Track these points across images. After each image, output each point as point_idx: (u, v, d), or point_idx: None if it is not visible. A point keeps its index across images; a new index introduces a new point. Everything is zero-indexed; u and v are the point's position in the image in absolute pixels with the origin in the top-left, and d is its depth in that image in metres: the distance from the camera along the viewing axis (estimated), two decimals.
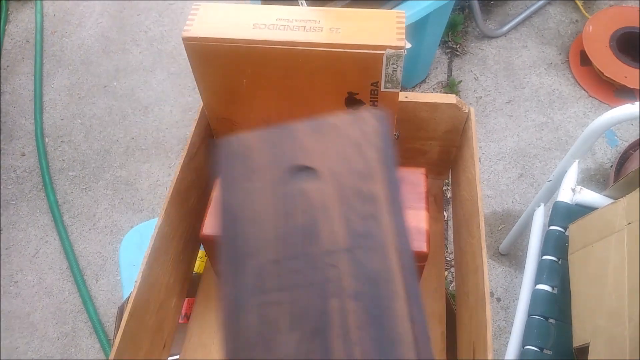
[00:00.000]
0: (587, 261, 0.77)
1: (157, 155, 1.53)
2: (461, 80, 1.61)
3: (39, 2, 1.87)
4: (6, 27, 1.83)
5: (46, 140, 1.58)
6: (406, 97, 0.58)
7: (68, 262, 1.35)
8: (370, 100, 0.51)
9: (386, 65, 0.46)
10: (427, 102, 0.58)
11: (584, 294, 0.74)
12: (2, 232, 1.42)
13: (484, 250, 0.50)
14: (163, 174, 1.50)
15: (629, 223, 0.72)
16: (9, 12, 1.87)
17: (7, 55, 1.77)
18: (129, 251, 0.93)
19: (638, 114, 0.81)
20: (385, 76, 0.47)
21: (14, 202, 1.47)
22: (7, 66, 1.75)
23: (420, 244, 0.52)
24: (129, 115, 1.62)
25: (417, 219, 0.54)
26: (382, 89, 0.49)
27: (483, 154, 1.48)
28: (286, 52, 0.47)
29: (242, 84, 0.51)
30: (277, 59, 0.48)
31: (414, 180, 0.57)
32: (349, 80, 0.49)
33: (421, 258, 0.52)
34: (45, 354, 1.25)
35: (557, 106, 1.56)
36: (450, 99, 0.58)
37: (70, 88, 1.69)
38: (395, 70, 0.47)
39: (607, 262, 0.73)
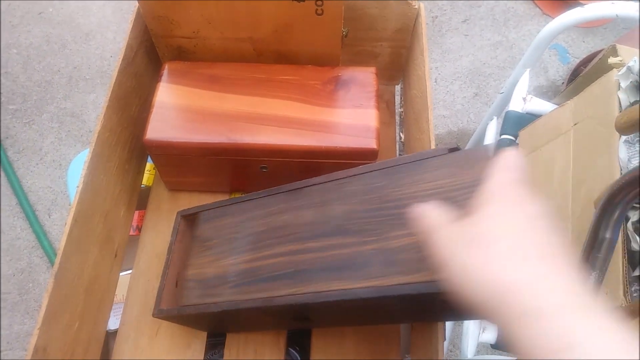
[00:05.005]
0: (535, 164, 0.79)
1: (103, 85, 1.46)
2: None
3: None
4: None
5: None
6: None
7: (17, 198, 1.30)
8: None
9: None
10: None
11: None
12: None
13: (433, 144, 0.50)
14: None
15: (575, 124, 0.74)
16: None
17: None
18: (77, 179, 0.90)
19: (585, 18, 0.81)
20: None
21: None
22: None
23: (369, 141, 0.51)
24: (69, 43, 1.52)
25: (367, 117, 0.53)
26: None
27: (439, 74, 1.47)
28: None
29: None
30: None
31: (364, 79, 0.55)
32: None
33: (371, 155, 0.52)
34: (2, 291, 1.22)
35: (512, 24, 1.55)
36: None
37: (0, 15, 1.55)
38: None
39: (553, 164, 0.75)
